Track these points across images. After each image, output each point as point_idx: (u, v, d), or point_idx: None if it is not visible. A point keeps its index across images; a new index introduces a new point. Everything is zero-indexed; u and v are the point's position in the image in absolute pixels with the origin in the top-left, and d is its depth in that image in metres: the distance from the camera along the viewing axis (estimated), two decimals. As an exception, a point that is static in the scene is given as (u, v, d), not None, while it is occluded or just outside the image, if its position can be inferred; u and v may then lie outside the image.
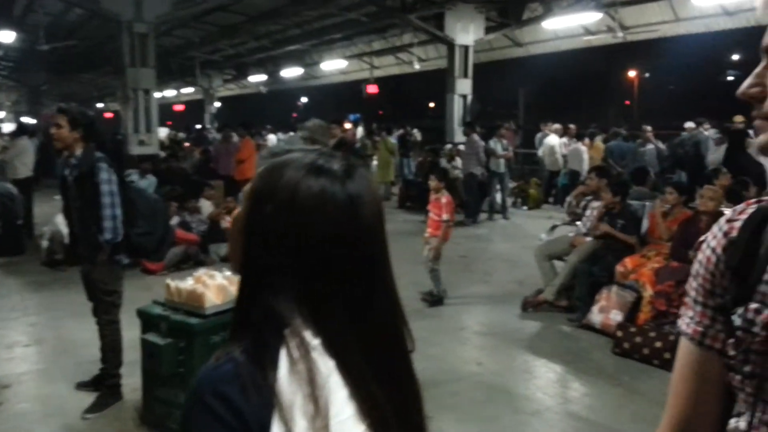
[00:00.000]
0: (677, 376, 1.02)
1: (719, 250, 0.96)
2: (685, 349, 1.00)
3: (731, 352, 0.91)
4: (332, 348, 0.87)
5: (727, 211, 1.02)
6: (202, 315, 3.74)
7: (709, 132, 10.72)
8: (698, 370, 0.98)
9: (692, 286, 1.01)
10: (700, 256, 1.00)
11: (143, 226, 4.12)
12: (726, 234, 0.97)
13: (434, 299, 6.36)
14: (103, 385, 4.24)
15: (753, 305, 0.89)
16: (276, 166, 0.93)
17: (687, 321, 1.00)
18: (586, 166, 11.38)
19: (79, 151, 3.99)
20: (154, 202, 4.33)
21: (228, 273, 4.13)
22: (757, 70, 0.88)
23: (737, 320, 0.90)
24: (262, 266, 0.90)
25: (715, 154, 9.51)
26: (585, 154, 11.74)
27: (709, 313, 0.97)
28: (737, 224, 0.96)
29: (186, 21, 15.52)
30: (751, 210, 0.96)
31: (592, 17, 12.83)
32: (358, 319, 0.90)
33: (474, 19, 14.10)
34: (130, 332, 4.18)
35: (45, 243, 8.19)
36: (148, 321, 3.89)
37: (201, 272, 4.08)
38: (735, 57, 29.05)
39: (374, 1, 13.95)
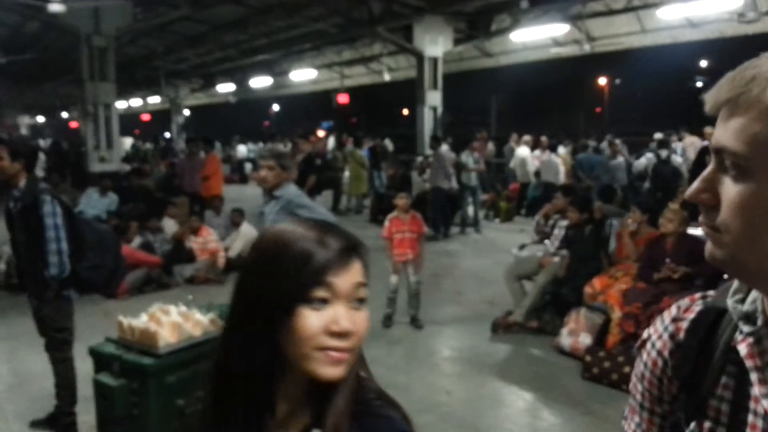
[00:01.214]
0: None
1: (666, 353, 0.91)
2: None
3: None
4: None
5: (676, 307, 0.95)
6: (156, 354, 3.58)
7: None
8: None
9: (638, 389, 0.95)
10: (645, 356, 0.95)
11: (92, 259, 3.95)
12: (672, 336, 0.91)
13: (419, 324, 6.27)
14: (58, 424, 4.09)
15: (707, 423, 0.83)
16: None
17: (633, 427, 0.96)
18: (562, 178, 11.41)
19: (22, 182, 3.82)
20: (103, 233, 4.15)
21: (184, 308, 3.96)
22: (706, 173, 0.80)
23: None
24: None
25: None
26: (561, 166, 11.76)
27: (656, 421, 0.93)
28: (684, 325, 0.90)
29: (148, 31, 15.24)
30: (697, 308, 0.91)
31: (559, 29, 12.91)
32: None
33: (442, 30, 14.10)
34: (88, 364, 4.01)
35: (2, 266, 7.91)
36: (100, 360, 3.73)
37: (155, 308, 3.91)
38: (703, 64, 29.60)
39: (341, 13, 13.86)
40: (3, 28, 14.14)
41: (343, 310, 0.97)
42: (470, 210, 11.58)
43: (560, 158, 12.22)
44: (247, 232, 8.47)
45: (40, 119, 40.98)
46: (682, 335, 0.90)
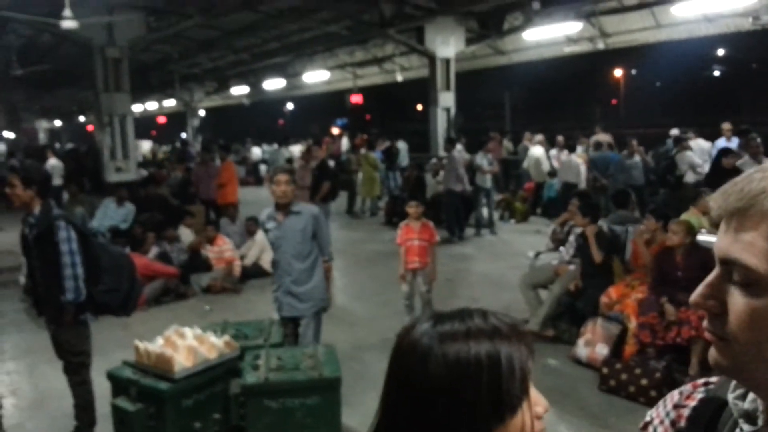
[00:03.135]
0: None
1: None
2: None
3: None
4: None
5: (678, 393, 0.95)
6: (172, 379, 3.62)
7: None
8: None
9: None
10: None
11: (108, 283, 4.00)
12: (674, 423, 0.91)
13: None
14: (78, 445, 4.13)
15: None
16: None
17: None
18: (583, 178, 11.22)
19: (37, 209, 3.87)
20: (118, 256, 4.20)
21: (199, 331, 4.00)
22: (711, 279, 0.79)
23: None
24: None
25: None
26: (582, 166, 11.51)
27: None
28: (685, 412, 0.90)
29: (162, 39, 15.34)
30: (699, 395, 0.90)
31: (572, 27, 12.78)
32: None
33: (454, 31, 14.03)
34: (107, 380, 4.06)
35: (22, 278, 8.01)
36: (117, 385, 3.78)
37: (171, 331, 3.95)
38: (720, 52, 29.18)
39: (352, 16, 13.84)
40: (18, 39, 14.29)
41: (535, 392, 0.98)
42: (485, 211, 11.53)
43: (580, 158, 12.02)
44: (262, 240, 8.50)
45: (58, 123, 41.41)
46: (683, 423, 0.89)
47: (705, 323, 0.81)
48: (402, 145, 16.29)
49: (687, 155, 9.96)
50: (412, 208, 6.24)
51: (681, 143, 10.32)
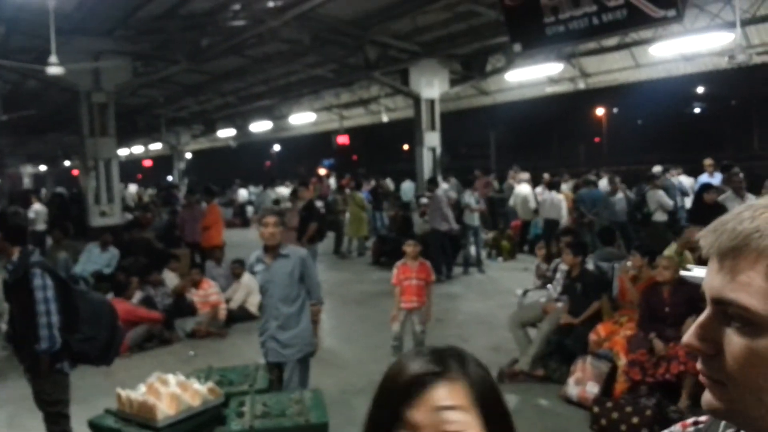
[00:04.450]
0: None
1: None
2: None
3: None
4: None
5: None
6: (155, 428, 3.53)
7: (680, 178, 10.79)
8: None
9: None
10: None
11: (86, 332, 3.94)
12: None
13: None
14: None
15: None
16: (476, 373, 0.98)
17: None
18: (565, 215, 11.33)
19: (16, 255, 3.83)
20: (98, 304, 4.14)
21: (182, 377, 3.92)
22: (703, 319, 0.77)
23: None
24: None
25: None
26: (563, 203, 11.62)
27: None
28: None
29: (149, 84, 15.47)
30: None
31: (554, 68, 13.02)
32: None
33: (438, 73, 14.26)
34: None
35: (4, 326, 7.86)
36: (99, 434, 3.69)
37: (154, 378, 3.87)
38: (700, 90, 29.78)
39: (338, 60, 14.04)
40: (4, 85, 14.33)
41: None
42: (472, 250, 11.54)
43: (562, 195, 12.15)
44: (248, 282, 8.44)
45: (43, 168, 41.30)
46: None
47: (699, 365, 0.79)
48: (407, 185, 16.43)
49: (657, 194, 9.97)
50: (410, 247, 6.24)
51: (653, 181, 10.35)
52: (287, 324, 4.46)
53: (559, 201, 11.63)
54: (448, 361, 0.96)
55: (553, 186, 12.22)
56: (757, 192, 8.27)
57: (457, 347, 1.01)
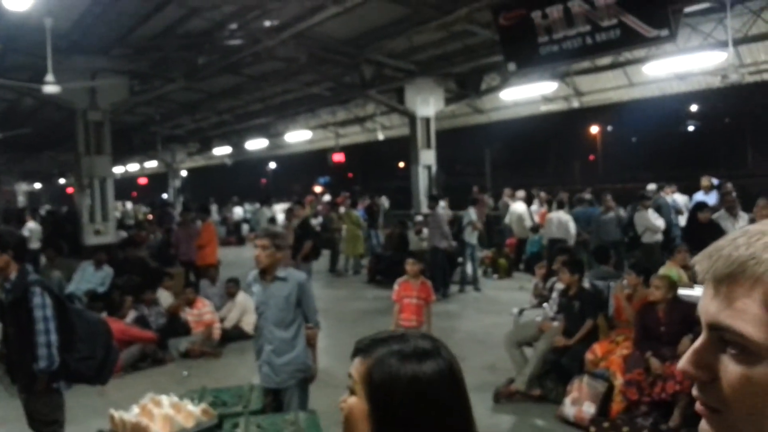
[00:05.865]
0: None
1: None
2: None
3: None
4: None
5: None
6: (148, 450, 3.48)
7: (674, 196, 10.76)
8: None
9: None
10: None
11: (82, 351, 3.90)
12: None
13: None
14: None
15: None
16: (386, 359, 1.18)
17: None
18: (573, 234, 10.99)
19: (13, 274, 3.79)
20: (94, 323, 4.10)
21: (176, 398, 3.88)
22: (699, 345, 0.76)
23: None
24: None
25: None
26: (570, 222, 11.16)
27: None
28: None
29: (145, 102, 15.51)
30: None
31: (548, 87, 13.11)
32: None
33: (433, 91, 14.34)
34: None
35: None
36: (90, 456, 3.64)
37: (147, 399, 3.82)
38: (693, 108, 29.99)
39: (334, 79, 14.12)
40: (1, 101, 14.33)
41: None
42: (469, 268, 11.51)
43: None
44: (243, 302, 8.39)
45: (38, 186, 41.23)
46: None
47: (694, 392, 0.78)
48: (384, 201, 16.38)
49: (645, 216, 9.76)
50: (411, 265, 6.22)
51: (642, 201, 10.06)
52: (281, 349, 4.31)
53: (566, 221, 11.27)
54: (376, 345, 1.22)
55: (560, 205, 11.98)
56: (750, 210, 8.28)
57: (412, 337, 1.25)
